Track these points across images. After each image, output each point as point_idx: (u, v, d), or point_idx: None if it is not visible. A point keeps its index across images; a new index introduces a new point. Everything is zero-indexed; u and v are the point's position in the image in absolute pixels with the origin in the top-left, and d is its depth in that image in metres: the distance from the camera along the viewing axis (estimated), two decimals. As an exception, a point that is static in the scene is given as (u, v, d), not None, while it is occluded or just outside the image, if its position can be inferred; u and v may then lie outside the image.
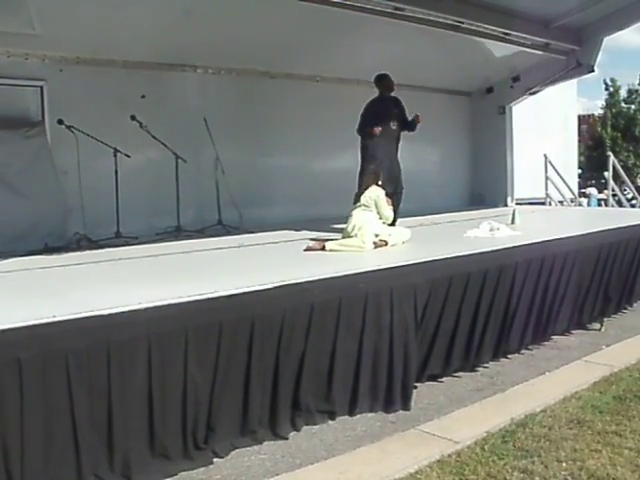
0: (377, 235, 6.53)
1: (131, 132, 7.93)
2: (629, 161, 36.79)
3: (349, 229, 6.56)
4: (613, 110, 39.56)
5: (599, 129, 39.70)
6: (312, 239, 6.99)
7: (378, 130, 7.72)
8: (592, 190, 22.76)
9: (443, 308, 5.61)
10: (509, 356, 6.29)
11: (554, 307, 6.77)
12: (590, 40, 11.36)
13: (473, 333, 5.89)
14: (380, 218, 6.76)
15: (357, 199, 6.87)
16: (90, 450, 3.73)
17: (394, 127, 7.97)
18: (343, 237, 6.60)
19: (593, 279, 7.36)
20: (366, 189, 6.84)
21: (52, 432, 3.60)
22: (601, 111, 41.87)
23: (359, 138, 8.01)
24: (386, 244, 6.53)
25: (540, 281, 6.54)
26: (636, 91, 39.93)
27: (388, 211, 6.84)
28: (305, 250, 6.47)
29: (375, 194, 6.77)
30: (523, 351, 6.46)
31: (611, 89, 40.21)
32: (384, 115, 7.91)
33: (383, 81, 8.10)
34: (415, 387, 5.34)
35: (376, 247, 6.44)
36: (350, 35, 9.14)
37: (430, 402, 5.23)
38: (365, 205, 6.70)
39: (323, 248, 6.41)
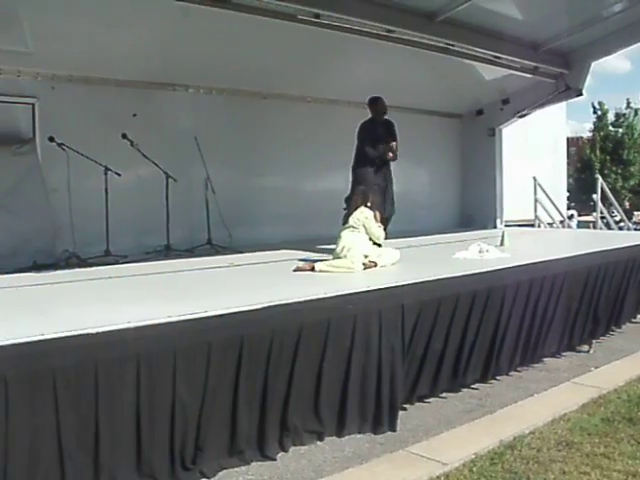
0: (366, 256, 6.53)
1: (122, 150, 7.93)
2: (617, 184, 37.08)
3: (338, 250, 6.55)
4: (601, 133, 39.95)
5: (588, 152, 40.04)
6: (301, 259, 7.01)
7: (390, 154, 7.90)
8: (572, 212, 22.96)
9: (432, 329, 5.60)
10: (498, 378, 6.28)
11: (543, 329, 6.76)
12: (578, 64, 11.51)
13: (462, 354, 5.88)
14: (370, 239, 6.76)
15: (346, 220, 6.87)
16: (76, 470, 3.69)
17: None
18: (333, 258, 6.59)
19: (582, 301, 7.37)
20: (355, 210, 6.82)
21: (38, 451, 3.57)
22: (589, 134, 42.30)
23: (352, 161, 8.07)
24: (375, 265, 6.53)
25: (529, 303, 6.55)
26: (623, 115, 40.37)
27: (379, 230, 6.84)
28: (294, 270, 6.48)
29: (363, 215, 6.75)
30: (512, 373, 6.46)
31: (599, 112, 40.64)
32: (377, 138, 7.95)
33: (374, 104, 8.14)
34: (404, 409, 5.34)
35: (365, 268, 6.45)
36: (341, 56, 9.22)
37: (419, 423, 5.22)
38: (353, 226, 6.69)
39: (312, 269, 6.41)
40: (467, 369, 5.94)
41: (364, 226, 6.70)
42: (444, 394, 5.79)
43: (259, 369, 4.49)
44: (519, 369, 6.55)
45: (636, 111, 40.96)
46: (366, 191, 7.08)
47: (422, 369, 5.57)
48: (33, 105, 7.87)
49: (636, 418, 5.12)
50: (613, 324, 8.10)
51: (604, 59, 12.06)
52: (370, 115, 8.19)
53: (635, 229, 18.16)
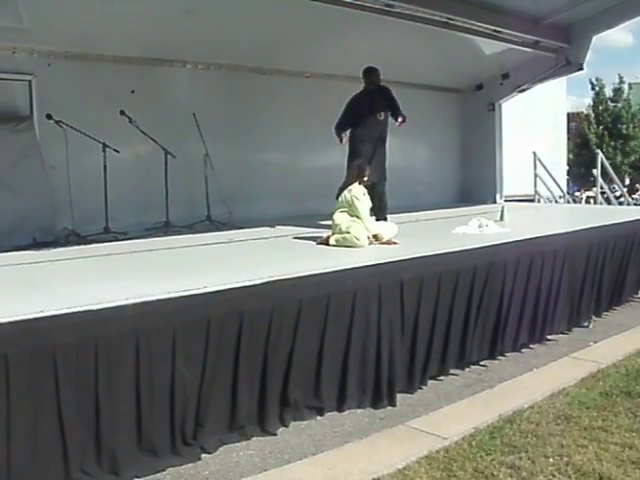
0: (368, 230, 6.48)
1: (120, 127, 7.89)
2: (616, 159, 36.90)
3: (336, 231, 6.48)
4: (600, 108, 39.70)
5: (585, 127, 39.81)
6: (295, 237, 6.97)
7: (341, 138, 7.81)
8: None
9: (436, 306, 5.60)
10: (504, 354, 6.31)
11: (546, 305, 6.76)
12: (579, 38, 11.40)
13: (467, 331, 5.89)
14: (371, 209, 6.68)
15: (339, 194, 6.65)
16: (78, 446, 3.72)
17: (380, 118, 7.83)
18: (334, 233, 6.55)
19: (585, 277, 7.37)
20: (349, 184, 6.62)
21: (39, 428, 3.59)
22: (590, 109, 42.02)
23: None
24: (378, 239, 6.46)
25: (530, 279, 6.54)
26: (618, 89, 40.15)
27: (370, 222, 6.60)
28: (318, 244, 6.54)
29: (351, 194, 6.51)
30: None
31: (597, 88, 40.37)
32: (366, 109, 7.85)
33: (367, 75, 8.03)
34: (421, 388, 5.41)
35: (371, 243, 6.40)
36: (341, 31, 9.14)
37: (418, 398, 5.25)
38: (343, 207, 6.54)
39: (328, 239, 6.45)
40: (473, 346, 5.95)
41: (350, 205, 6.48)
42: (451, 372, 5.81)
43: (259, 344, 4.50)
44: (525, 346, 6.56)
45: (630, 85, 40.72)
46: (362, 165, 6.87)
47: (431, 348, 5.58)
48: (30, 82, 7.80)
49: (634, 392, 5.15)
50: (615, 301, 8.09)
51: (605, 32, 11.96)
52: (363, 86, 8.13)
53: (635, 204, 18.16)
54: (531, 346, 6.61)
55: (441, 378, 5.69)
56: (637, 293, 8.72)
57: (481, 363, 6.06)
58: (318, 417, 4.82)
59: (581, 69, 11.71)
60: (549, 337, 6.87)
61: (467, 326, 5.90)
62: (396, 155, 8.36)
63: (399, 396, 5.17)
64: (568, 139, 21.31)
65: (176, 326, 4.09)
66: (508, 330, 6.31)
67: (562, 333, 7.06)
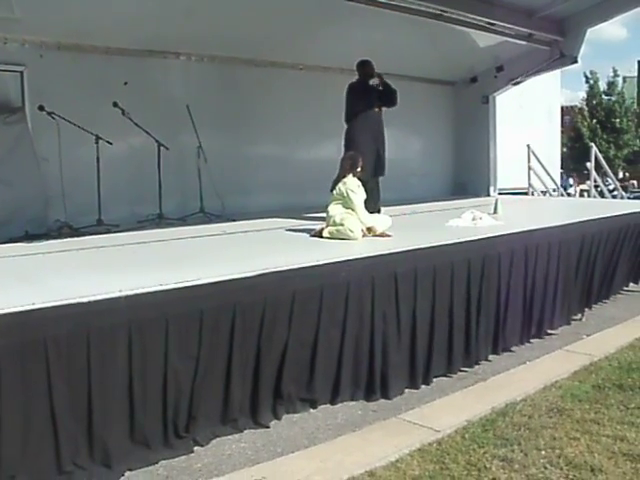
0: (362, 223, 6.45)
1: (113, 119, 7.85)
2: (609, 152, 36.99)
3: (330, 223, 6.47)
4: (594, 102, 39.78)
5: (579, 120, 39.90)
6: (288, 229, 6.94)
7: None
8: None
9: (433, 300, 5.58)
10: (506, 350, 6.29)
11: (543, 298, 6.75)
12: (573, 31, 11.40)
13: (469, 327, 5.86)
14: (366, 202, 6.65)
15: (333, 186, 6.57)
16: (70, 438, 3.71)
17: (377, 110, 7.90)
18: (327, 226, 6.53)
19: (578, 269, 7.38)
20: (343, 177, 6.54)
21: (31, 421, 3.57)
22: (583, 102, 42.15)
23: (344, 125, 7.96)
24: (372, 231, 6.44)
25: (524, 271, 6.53)
26: (612, 83, 40.25)
27: (365, 215, 6.53)
28: (312, 236, 6.51)
29: (345, 187, 6.45)
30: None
31: (591, 82, 40.45)
32: (367, 99, 7.85)
33: (363, 67, 8.01)
34: (428, 383, 5.39)
35: (364, 235, 6.38)
36: (334, 23, 9.12)
37: (411, 391, 5.26)
38: (338, 199, 6.49)
39: (321, 231, 6.42)
40: (479, 343, 5.93)
41: (345, 197, 6.43)
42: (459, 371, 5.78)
43: (252, 337, 4.50)
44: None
45: (624, 78, 40.83)
46: (355, 156, 6.75)
47: (432, 343, 5.54)
48: (21, 73, 7.76)
49: (626, 384, 5.16)
50: (606, 293, 8.12)
51: (600, 26, 11.95)
52: (358, 77, 8.10)
53: (628, 198, 18.20)
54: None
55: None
56: (627, 285, 8.75)
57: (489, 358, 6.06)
58: (311, 410, 4.82)
59: (575, 62, 11.71)
60: (549, 331, 6.87)
61: (469, 321, 5.87)
62: (389, 147, 8.32)
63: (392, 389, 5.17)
64: (562, 132, 21.34)
65: (169, 318, 4.08)
66: (510, 324, 6.29)
67: (561, 327, 7.06)
